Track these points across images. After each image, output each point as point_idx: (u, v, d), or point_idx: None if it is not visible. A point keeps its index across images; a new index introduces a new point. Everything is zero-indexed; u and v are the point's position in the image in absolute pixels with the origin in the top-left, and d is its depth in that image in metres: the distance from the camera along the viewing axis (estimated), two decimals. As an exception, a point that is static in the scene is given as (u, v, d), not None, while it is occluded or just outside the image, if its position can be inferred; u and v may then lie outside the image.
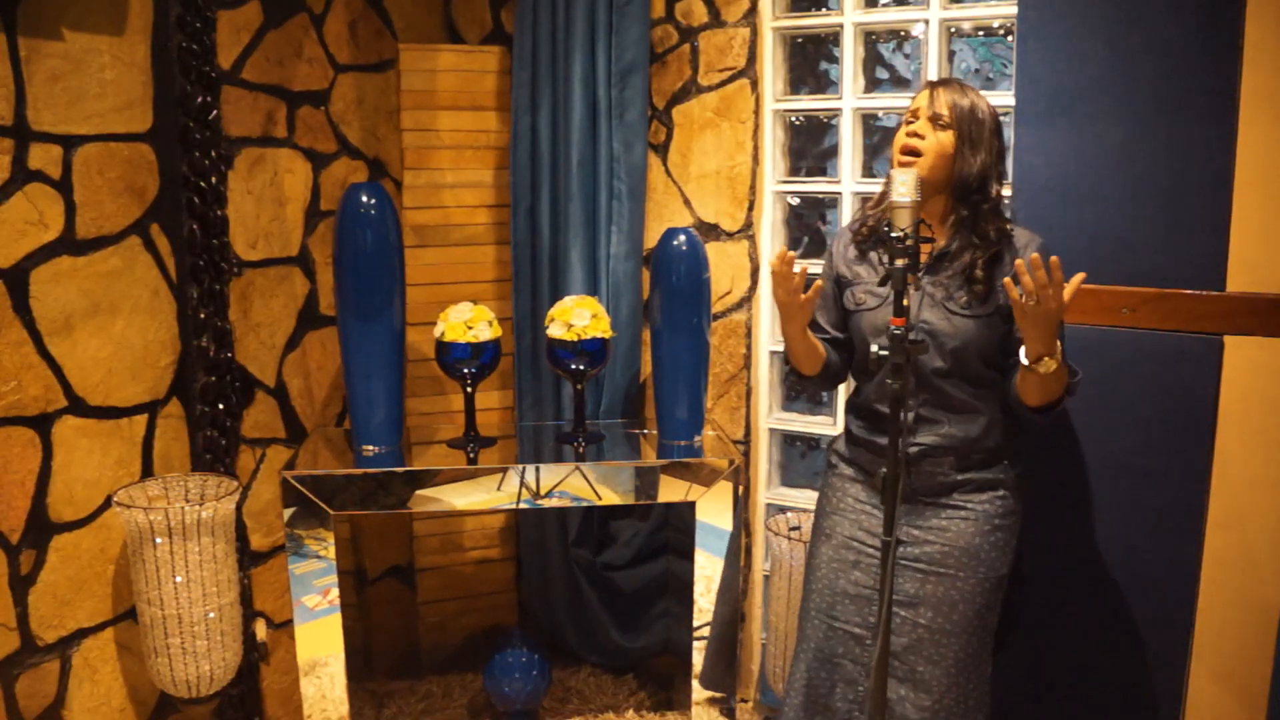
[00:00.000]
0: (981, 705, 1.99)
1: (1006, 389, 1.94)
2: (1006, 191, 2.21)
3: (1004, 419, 1.99)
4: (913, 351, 1.65)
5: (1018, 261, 1.70)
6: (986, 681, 2.00)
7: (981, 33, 2.59)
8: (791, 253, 1.90)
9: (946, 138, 1.91)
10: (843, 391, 2.62)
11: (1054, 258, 1.67)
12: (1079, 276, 1.70)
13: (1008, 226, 1.95)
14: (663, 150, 2.82)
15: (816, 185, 2.72)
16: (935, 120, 1.91)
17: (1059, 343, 1.78)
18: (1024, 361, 1.79)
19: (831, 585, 2.04)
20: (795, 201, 2.81)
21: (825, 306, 2.12)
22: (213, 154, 2.23)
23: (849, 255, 2.08)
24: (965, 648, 1.93)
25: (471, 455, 2.46)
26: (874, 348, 1.67)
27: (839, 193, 2.62)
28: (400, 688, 2.89)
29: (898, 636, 1.94)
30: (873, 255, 2.04)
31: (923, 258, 1.92)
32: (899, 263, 1.65)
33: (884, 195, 2.04)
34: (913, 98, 2.00)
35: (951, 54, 2.51)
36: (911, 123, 1.94)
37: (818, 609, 2.05)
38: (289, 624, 2.42)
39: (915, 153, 1.91)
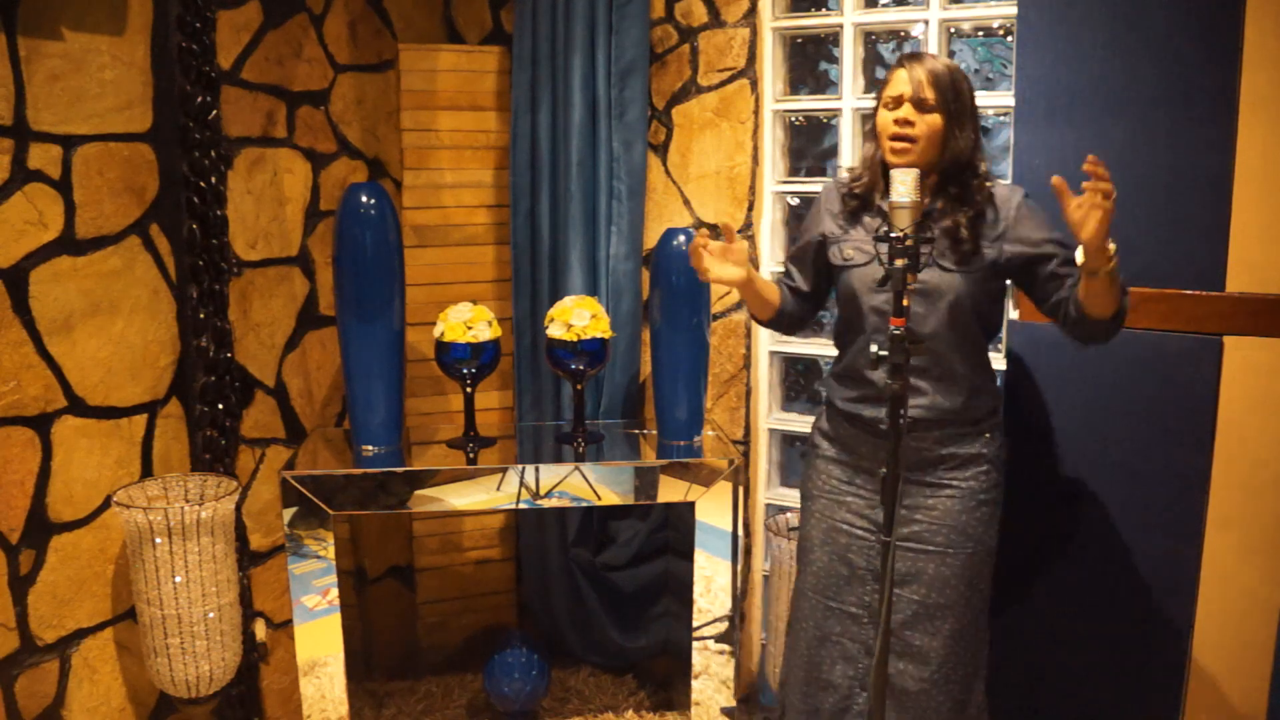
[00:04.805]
0: (978, 675, 2.01)
1: (1065, 313, 1.89)
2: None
3: (986, 389, 1.98)
4: (913, 352, 1.65)
5: (1072, 185, 1.67)
6: (983, 654, 2.02)
7: (981, 33, 2.59)
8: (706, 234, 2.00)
9: (935, 120, 1.89)
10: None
11: (1091, 156, 1.67)
12: (1099, 168, 1.68)
13: (989, 186, 1.94)
14: (662, 150, 2.81)
15: (816, 185, 2.72)
16: (921, 105, 1.88)
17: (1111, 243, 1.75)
18: (1093, 268, 1.74)
19: (826, 569, 2.06)
20: (795, 202, 2.81)
21: (800, 260, 2.15)
22: (212, 154, 2.23)
23: (836, 211, 2.07)
24: (960, 619, 1.95)
25: (471, 455, 2.46)
26: (873, 348, 1.67)
27: (839, 193, 2.62)
28: (400, 688, 2.89)
29: (894, 614, 1.95)
30: (866, 219, 2.02)
31: None
32: (899, 263, 1.65)
33: (864, 167, 2.03)
34: (888, 77, 1.94)
35: (951, 54, 2.52)
36: (894, 108, 1.91)
37: (814, 590, 2.08)
38: (289, 624, 2.41)
39: (908, 140, 1.88)
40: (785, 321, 2.18)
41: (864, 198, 2.02)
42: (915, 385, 1.93)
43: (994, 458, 1.99)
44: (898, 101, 1.90)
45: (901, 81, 1.91)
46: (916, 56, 1.92)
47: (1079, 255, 1.77)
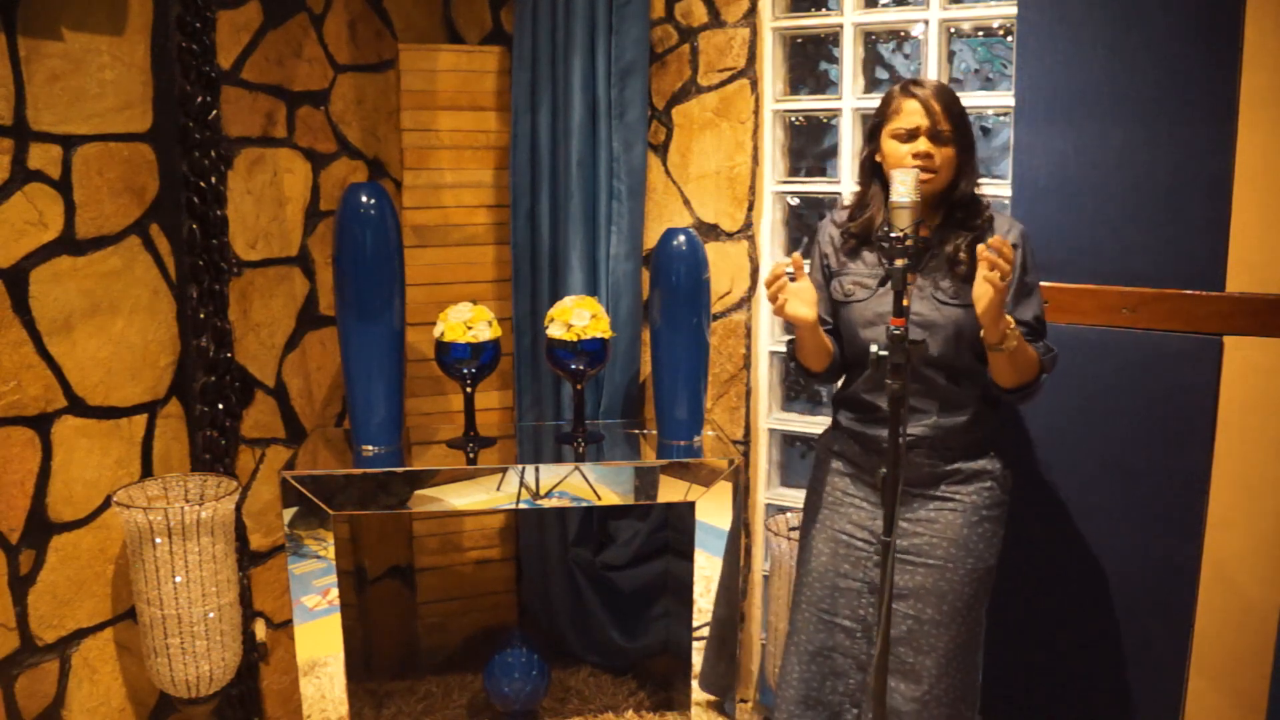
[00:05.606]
0: (972, 695, 2.00)
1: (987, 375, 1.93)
2: (996, 191, 2.22)
3: (989, 410, 1.99)
4: (913, 352, 1.65)
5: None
6: (977, 671, 2.01)
7: (981, 33, 2.59)
8: (790, 261, 1.89)
9: (950, 152, 1.87)
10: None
11: (995, 238, 1.72)
12: (1004, 248, 1.74)
13: (989, 214, 1.94)
14: (662, 150, 2.81)
15: (816, 185, 2.72)
16: (937, 137, 1.85)
17: (1010, 317, 1.81)
18: (991, 342, 1.81)
19: (822, 579, 2.04)
20: (795, 202, 2.81)
21: (819, 298, 2.11)
22: (212, 154, 2.23)
23: (838, 245, 2.05)
24: (955, 638, 1.94)
25: (471, 455, 2.46)
26: (874, 348, 1.67)
27: (839, 193, 2.62)
28: (400, 688, 2.89)
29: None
30: (866, 254, 2.00)
31: None
32: (899, 263, 1.65)
33: (861, 202, 2.00)
34: (895, 107, 1.88)
35: (951, 54, 2.52)
36: (907, 140, 1.86)
37: (809, 602, 2.06)
38: (288, 624, 2.41)
39: (930, 171, 1.85)
40: (834, 367, 2.06)
41: (861, 235, 2.00)
42: (920, 406, 1.94)
43: (999, 475, 1.98)
44: (913, 135, 1.86)
45: (915, 113, 1.86)
46: (919, 84, 1.88)
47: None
